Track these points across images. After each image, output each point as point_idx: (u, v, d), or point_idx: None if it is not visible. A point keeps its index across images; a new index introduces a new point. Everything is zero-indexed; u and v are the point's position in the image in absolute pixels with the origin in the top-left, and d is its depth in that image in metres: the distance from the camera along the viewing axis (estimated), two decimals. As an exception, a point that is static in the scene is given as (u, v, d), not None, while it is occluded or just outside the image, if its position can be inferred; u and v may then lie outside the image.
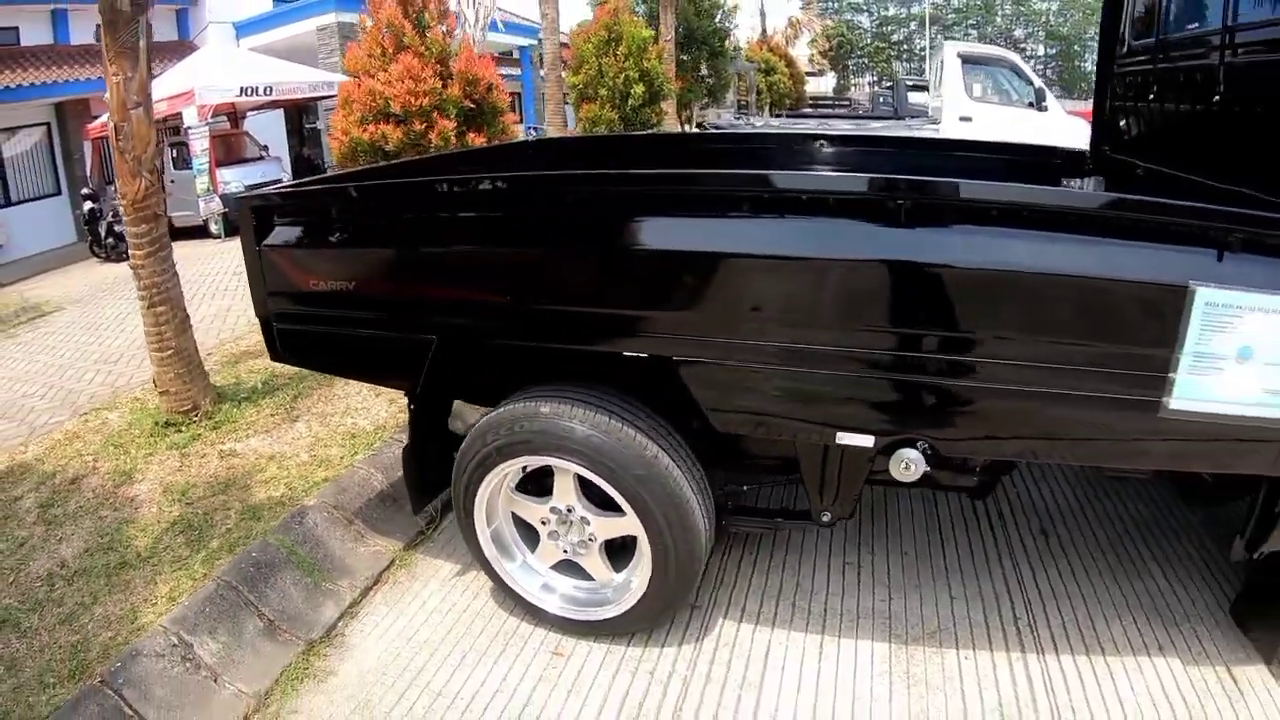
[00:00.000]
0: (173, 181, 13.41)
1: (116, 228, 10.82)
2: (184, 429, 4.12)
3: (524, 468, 2.50)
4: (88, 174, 13.36)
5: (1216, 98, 2.82)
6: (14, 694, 2.37)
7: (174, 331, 4.16)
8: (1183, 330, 2.09)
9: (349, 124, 5.78)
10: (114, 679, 2.35)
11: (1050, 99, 11.35)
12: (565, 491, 2.47)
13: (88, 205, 11.71)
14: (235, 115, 14.63)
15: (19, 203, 14.17)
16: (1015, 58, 11.85)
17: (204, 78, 12.01)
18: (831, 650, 2.66)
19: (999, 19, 69.59)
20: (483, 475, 2.47)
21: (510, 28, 18.49)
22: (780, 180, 2.31)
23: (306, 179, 3.40)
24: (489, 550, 2.61)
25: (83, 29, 14.89)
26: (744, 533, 3.10)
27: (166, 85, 12.07)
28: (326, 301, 2.56)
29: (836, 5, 65.83)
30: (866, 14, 67.76)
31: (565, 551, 2.61)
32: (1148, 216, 2.14)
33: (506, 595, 2.73)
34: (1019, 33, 70.04)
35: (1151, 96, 3.39)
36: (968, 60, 11.77)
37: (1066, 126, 10.50)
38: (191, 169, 11.77)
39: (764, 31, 33.65)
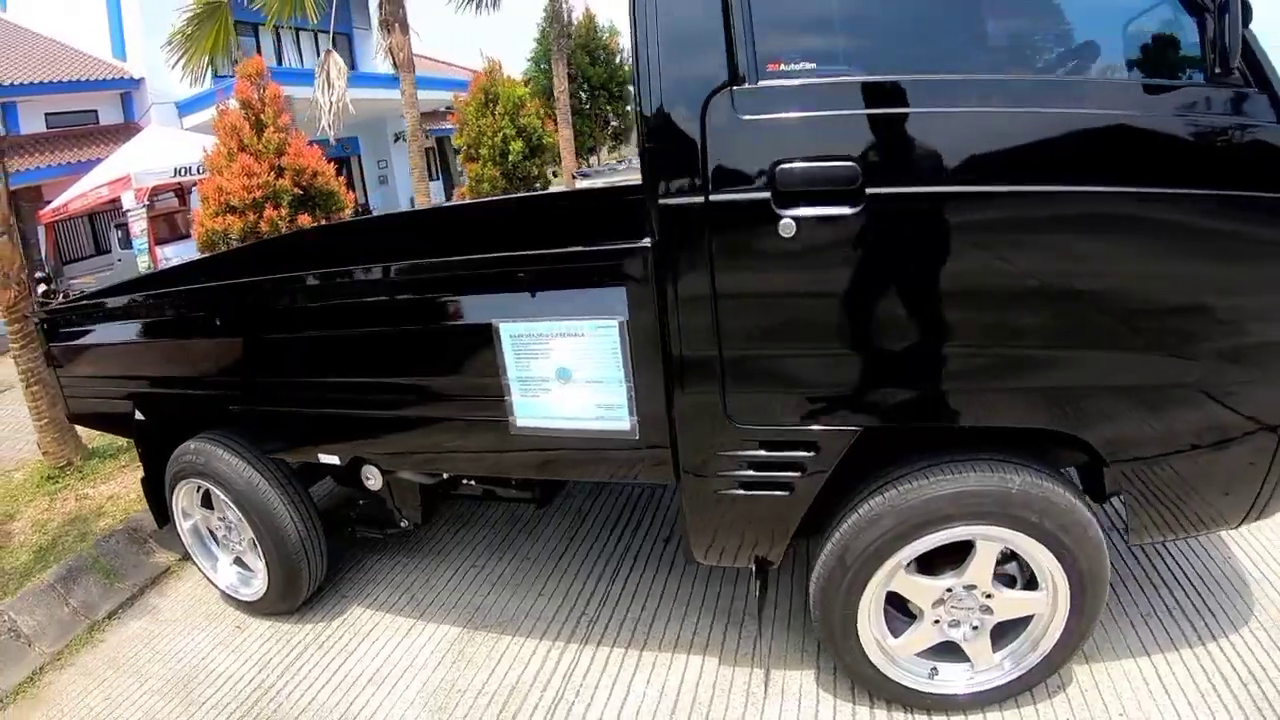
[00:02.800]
0: (119, 260, 14.61)
1: (70, 308, 11.91)
2: (59, 480, 5.39)
3: (197, 488, 3.62)
4: (44, 257, 14.43)
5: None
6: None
7: (47, 405, 5.40)
8: (502, 361, 2.49)
9: (205, 216, 7.06)
10: (-40, 643, 3.61)
11: None
12: (222, 504, 3.57)
13: (41, 287, 12.82)
14: (181, 191, 15.75)
15: (-22, 286, 15.41)
16: None
17: (140, 162, 12.99)
18: (416, 630, 3.39)
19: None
20: (172, 494, 3.69)
21: (441, 82, 19.80)
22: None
23: (81, 296, 4.62)
24: (190, 545, 3.83)
25: (32, 119, 16.08)
26: (416, 536, 4.06)
27: (108, 170, 13.20)
28: (84, 381, 3.86)
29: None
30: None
31: (231, 549, 3.72)
32: (452, 273, 2.64)
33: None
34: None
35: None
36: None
37: None
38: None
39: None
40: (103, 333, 3.72)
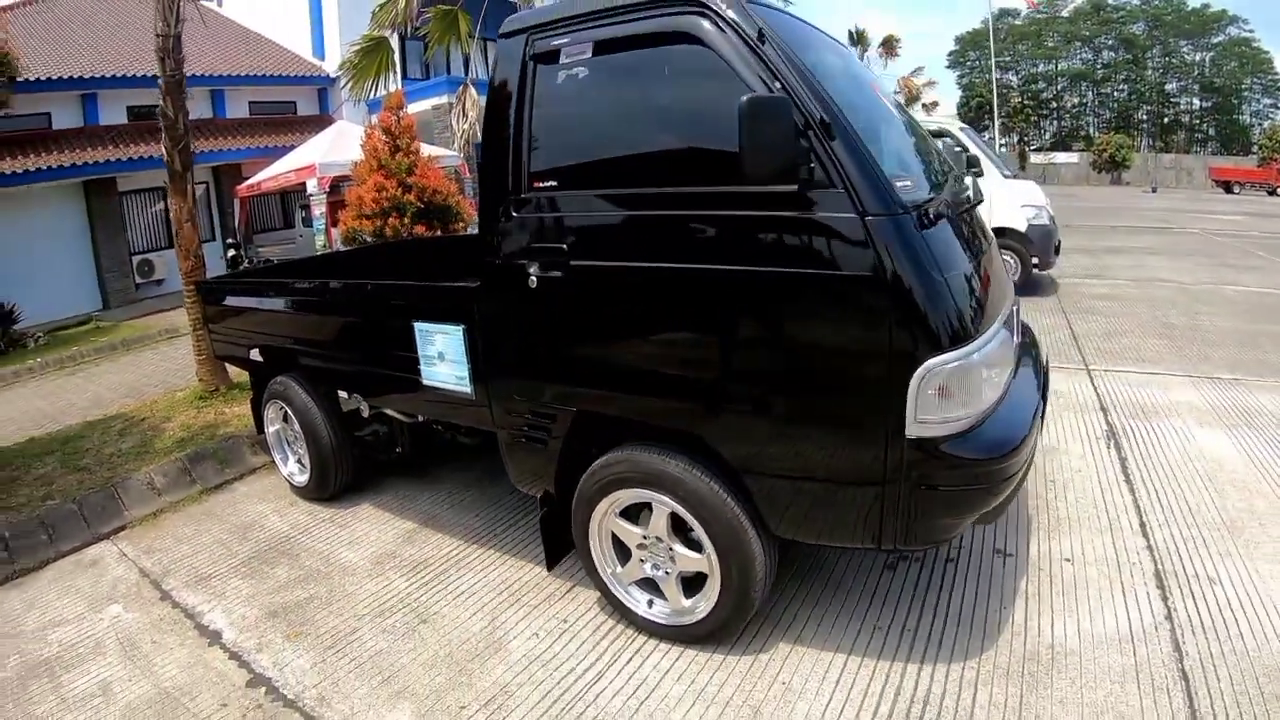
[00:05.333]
0: (300, 236, 16.97)
1: (253, 270, 13.96)
2: (207, 400, 7.35)
3: (280, 407, 5.27)
4: (237, 226, 17.00)
5: None
6: (78, 487, 5.51)
7: (206, 345, 7.38)
8: (416, 343, 3.71)
9: (348, 217, 9.01)
10: (119, 486, 5.48)
11: (988, 165, 9.80)
12: (292, 420, 5.15)
13: (230, 252, 15.33)
14: (363, 181, 18.05)
15: (179, 246, 18.08)
16: (955, 128, 10.49)
17: (326, 154, 14.94)
18: (393, 521, 4.81)
19: (1149, 72, 67.14)
20: (265, 409, 5.41)
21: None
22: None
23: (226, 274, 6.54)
24: (271, 445, 5.52)
25: (237, 105, 18.70)
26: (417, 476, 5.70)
27: (297, 158, 15.30)
28: (224, 330, 5.67)
29: (978, 64, 64.36)
30: (1013, 72, 66.41)
31: (296, 452, 5.35)
32: (389, 287, 4.12)
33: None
34: (1171, 86, 67.55)
35: None
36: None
37: (1002, 191, 9.91)
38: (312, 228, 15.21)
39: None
40: (236, 300, 5.52)
